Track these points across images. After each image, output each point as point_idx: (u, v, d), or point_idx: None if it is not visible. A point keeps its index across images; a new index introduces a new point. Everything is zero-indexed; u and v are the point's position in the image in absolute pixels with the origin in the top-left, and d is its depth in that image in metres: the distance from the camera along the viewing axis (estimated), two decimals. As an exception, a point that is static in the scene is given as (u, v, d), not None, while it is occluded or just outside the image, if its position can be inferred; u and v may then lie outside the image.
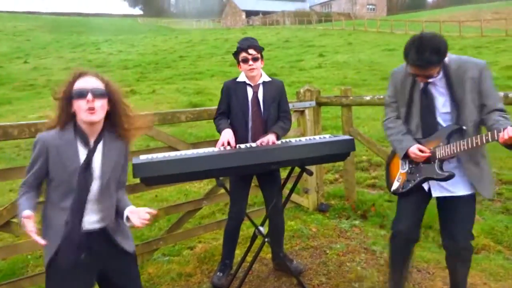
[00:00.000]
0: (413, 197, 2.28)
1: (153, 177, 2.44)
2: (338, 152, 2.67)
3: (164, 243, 3.45)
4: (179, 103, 11.11)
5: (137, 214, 1.79)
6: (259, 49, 2.90)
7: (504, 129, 1.86)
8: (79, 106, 1.71)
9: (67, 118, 1.76)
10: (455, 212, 2.21)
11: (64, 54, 26.72)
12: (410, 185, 2.27)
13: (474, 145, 1.99)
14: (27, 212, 1.61)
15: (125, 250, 1.89)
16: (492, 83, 2.11)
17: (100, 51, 28.50)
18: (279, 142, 2.86)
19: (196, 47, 28.55)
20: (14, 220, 2.66)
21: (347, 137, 2.69)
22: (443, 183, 2.19)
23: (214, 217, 4.40)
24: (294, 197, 4.45)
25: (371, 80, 12.64)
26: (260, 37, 33.03)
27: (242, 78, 2.96)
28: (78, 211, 1.75)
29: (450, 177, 2.13)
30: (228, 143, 2.73)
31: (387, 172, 2.50)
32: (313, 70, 16.06)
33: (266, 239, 2.88)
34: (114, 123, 1.85)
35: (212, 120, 3.10)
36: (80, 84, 1.73)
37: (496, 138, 1.91)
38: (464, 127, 2.10)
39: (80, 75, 1.77)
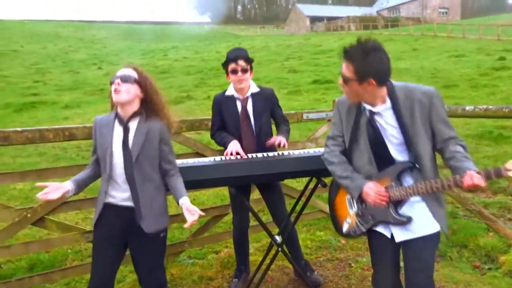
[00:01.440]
0: (383, 248, 2.03)
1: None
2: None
3: (189, 246, 3.57)
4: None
5: (190, 213, 2.05)
6: (249, 61, 2.87)
7: (466, 173, 1.71)
8: (111, 90, 2.05)
9: (112, 102, 2.11)
10: (418, 259, 1.93)
11: (134, 60, 28.34)
12: (363, 229, 2.06)
13: (434, 191, 1.83)
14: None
15: (143, 231, 2.09)
16: (444, 111, 1.91)
17: (167, 57, 29.89)
18: (297, 152, 2.87)
19: (257, 54, 28.91)
20: (49, 216, 2.92)
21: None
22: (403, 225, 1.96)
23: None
24: (326, 207, 4.38)
25: (431, 88, 12.03)
26: (322, 43, 32.79)
27: (230, 91, 2.94)
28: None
29: (408, 222, 1.92)
30: (237, 153, 2.74)
31: (332, 211, 2.26)
32: (372, 77, 15.41)
33: (279, 248, 2.89)
34: (148, 106, 2.15)
35: None
36: (118, 72, 2.08)
37: (459, 185, 1.76)
38: (417, 165, 1.90)
39: (125, 66, 2.16)
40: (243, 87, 2.87)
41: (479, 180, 1.67)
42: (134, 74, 2.11)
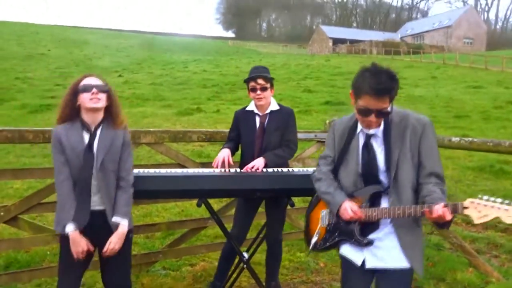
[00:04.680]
0: (354, 274, 2.02)
1: (136, 191, 2.58)
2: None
3: (164, 256, 3.58)
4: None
5: (113, 243, 2.16)
6: (269, 79, 2.96)
7: (434, 205, 1.70)
8: (84, 98, 2.13)
9: (73, 111, 2.18)
10: None
11: (155, 71, 28.90)
12: (327, 243, 2.09)
13: (396, 216, 1.84)
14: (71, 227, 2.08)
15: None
16: (434, 143, 1.90)
17: (187, 69, 30.36)
18: (271, 170, 2.88)
19: (277, 71, 29.09)
20: (22, 216, 2.98)
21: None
22: (374, 251, 1.95)
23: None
24: (309, 229, 4.35)
25: (441, 117, 11.86)
26: (342, 65, 32.81)
27: (251, 107, 3.05)
28: (83, 188, 2.13)
29: (368, 244, 1.93)
30: (223, 162, 2.81)
31: (307, 224, 2.30)
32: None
33: (245, 265, 2.89)
34: (111, 114, 2.25)
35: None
36: (86, 81, 2.17)
37: (422, 214, 1.76)
38: (387, 190, 1.91)
39: (85, 76, 2.23)
40: (262, 104, 2.98)
41: (445, 214, 1.66)
42: (105, 84, 2.24)
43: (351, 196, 2.00)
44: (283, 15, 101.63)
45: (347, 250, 2.04)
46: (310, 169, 2.92)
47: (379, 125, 1.93)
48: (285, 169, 2.90)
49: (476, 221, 1.66)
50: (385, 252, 1.93)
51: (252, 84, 2.94)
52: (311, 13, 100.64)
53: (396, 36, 70.49)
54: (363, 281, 2.01)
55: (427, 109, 13.30)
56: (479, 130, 10.31)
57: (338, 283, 3.51)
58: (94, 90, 2.14)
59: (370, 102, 1.81)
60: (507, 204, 1.62)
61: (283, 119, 3.03)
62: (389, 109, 1.85)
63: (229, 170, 2.80)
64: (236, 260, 3.07)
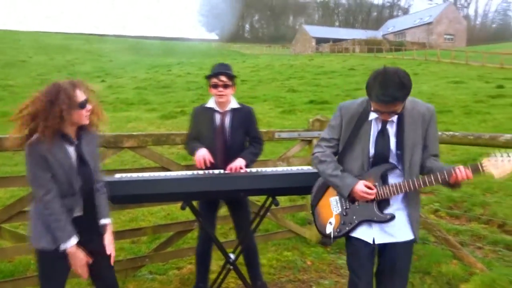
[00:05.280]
0: (364, 253, 2.11)
1: (120, 196, 2.58)
2: (311, 185, 2.62)
3: (150, 261, 3.55)
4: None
5: (111, 243, 2.23)
6: (231, 77, 2.96)
7: (454, 169, 1.89)
8: (81, 115, 2.05)
9: (61, 125, 1.99)
10: (394, 266, 2.09)
11: (138, 75, 28.68)
12: (347, 228, 2.13)
13: (417, 187, 2.00)
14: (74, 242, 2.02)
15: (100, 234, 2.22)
16: (436, 128, 2.10)
17: (170, 72, 30.22)
18: (254, 170, 2.89)
19: (260, 72, 29.20)
20: (4, 225, 2.93)
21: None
22: (385, 228, 2.07)
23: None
24: (296, 228, 4.37)
25: (425, 113, 12.04)
26: (325, 64, 33.00)
27: (211, 104, 3.02)
28: (75, 202, 2.09)
29: (391, 219, 2.04)
30: (205, 161, 2.82)
31: (315, 214, 2.32)
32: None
33: (231, 267, 2.89)
34: (91, 121, 2.16)
35: None
36: (81, 96, 2.03)
37: (446, 179, 1.92)
38: (399, 167, 2.05)
39: (74, 86, 2.04)
40: (223, 102, 2.97)
41: (469, 173, 1.88)
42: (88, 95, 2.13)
43: (361, 177, 2.09)
44: (266, 16, 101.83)
45: (357, 232, 2.13)
46: (295, 168, 2.94)
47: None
48: (269, 169, 2.92)
49: (497, 176, 1.85)
50: (395, 227, 2.06)
51: (214, 80, 2.94)
52: (293, 13, 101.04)
53: (378, 34, 71.26)
54: (370, 258, 2.14)
55: (410, 105, 13.46)
56: (461, 125, 10.48)
57: (326, 281, 3.54)
58: (89, 107, 2.08)
59: (380, 107, 1.95)
60: None
61: (246, 117, 3.05)
62: (400, 110, 1.98)
63: (212, 172, 2.79)
64: (223, 262, 3.06)
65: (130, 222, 4.87)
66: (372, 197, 2.04)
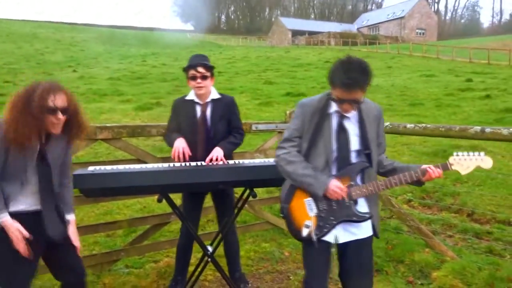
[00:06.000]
0: (321, 249, 2.10)
1: (93, 189, 2.51)
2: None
3: (126, 254, 3.50)
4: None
5: (76, 236, 2.23)
6: (209, 68, 2.91)
7: (426, 168, 2.06)
8: (51, 120, 1.99)
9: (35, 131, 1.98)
10: (362, 264, 2.14)
11: (111, 65, 28.00)
12: (324, 230, 2.09)
13: (394, 186, 2.10)
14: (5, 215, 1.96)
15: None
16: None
17: (145, 63, 29.65)
18: (232, 162, 2.87)
19: (237, 64, 29.06)
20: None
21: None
22: (349, 227, 2.10)
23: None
24: (273, 219, 4.40)
25: (398, 106, 12.29)
26: (301, 57, 33.17)
27: (191, 96, 2.98)
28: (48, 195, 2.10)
29: (370, 218, 2.08)
30: (183, 152, 2.79)
31: (288, 218, 2.22)
32: (344, 92, 15.70)
33: (209, 259, 2.88)
34: (67, 129, 2.11)
35: None
36: (56, 102, 1.98)
37: (419, 178, 2.06)
38: (370, 166, 2.10)
39: (51, 91, 1.99)
40: (202, 93, 2.92)
41: (440, 171, 2.05)
42: (66, 103, 2.05)
43: (336, 176, 2.10)
44: (242, 7, 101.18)
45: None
46: (272, 160, 2.94)
47: (356, 110, 2.08)
48: (246, 161, 2.90)
49: (463, 173, 2.05)
50: (359, 225, 2.10)
51: (192, 72, 2.88)
52: (269, 5, 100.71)
53: (352, 27, 72.04)
54: (327, 257, 2.16)
55: (384, 98, 13.72)
56: (432, 117, 10.76)
57: (303, 271, 3.58)
58: (60, 115, 2.00)
59: (342, 94, 1.96)
60: (482, 155, 2.04)
61: (227, 108, 3.02)
62: (362, 99, 2.01)
63: (189, 164, 2.76)
64: (201, 254, 3.05)
65: (104, 216, 4.78)
66: (344, 195, 2.04)
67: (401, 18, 65.61)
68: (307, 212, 2.11)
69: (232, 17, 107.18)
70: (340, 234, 2.10)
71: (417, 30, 65.60)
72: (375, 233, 2.17)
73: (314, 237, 2.07)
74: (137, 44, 49.75)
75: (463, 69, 22.99)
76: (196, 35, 73.83)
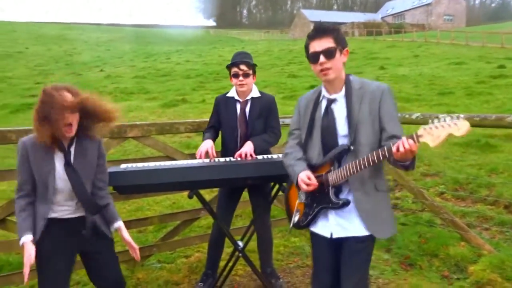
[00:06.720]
0: (323, 245, 2.07)
1: (126, 186, 2.56)
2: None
3: (158, 250, 3.56)
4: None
5: (131, 247, 2.24)
6: (251, 65, 2.93)
7: (397, 143, 1.68)
8: (62, 119, 1.96)
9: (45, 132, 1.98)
10: (347, 264, 2.00)
11: (137, 64, 28.50)
12: (309, 217, 2.07)
13: (362, 167, 1.83)
14: (27, 238, 2.00)
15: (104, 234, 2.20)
16: (394, 109, 1.94)
17: (169, 60, 30.02)
18: (261, 157, 2.86)
19: (260, 58, 28.98)
20: (10, 218, 2.92)
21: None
22: (340, 221, 1.99)
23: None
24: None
25: (426, 95, 11.94)
26: (325, 49, 32.70)
27: (232, 93, 3.02)
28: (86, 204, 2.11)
29: (345, 204, 1.94)
30: (206, 153, 2.79)
31: (286, 204, 2.29)
32: (370, 83, 15.40)
33: (240, 254, 2.89)
34: (86, 127, 2.12)
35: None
36: (60, 103, 1.95)
37: (386, 155, 1.75)
38: (351, 147, 1.91)
39: (56, 88, 2.00)
40: (244, 91, 2.96)
41: (412, 143, 1.65)
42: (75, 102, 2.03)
43: (318, 165, 2.03)
44: (263, 0, 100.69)
45: (317, 226, 2.09)
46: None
47: (336, 75, 1.96)
48: (275, 155, 2.89)
49: (432, 144, 1.66)
50: (348, 221, 1.99)
51: (234, 70, 2.92)
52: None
53: (377, 17, 70.53)
54: (330, 252, 2.07)
55: (411, 88, 13.38)
56: (463, 106, 10.42)
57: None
58: (70, 120, 2.00)
59: (314, 46, 1.93)
60: (456, 118, 1.63)
61: (265, 106, 3.02)
62: (334, 46, 1.93)
63: (218, 159, 2.77)
64: (232, 249, 3.06)
65: (136, 212, 4.88)
66: (311, 188, 1.98)
67: (428, 4, 63.73)
68: (298, 198, 2.17)
69: (254, 11, 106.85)
70: (334, 229, 2.02)
71: (444, 17, 63.60)
72: (371, 234, 1.95)
73: (301, 223, 2.11)
74: (162, 42, 50.36)
75: (494, 55, 22.14)
76: (219, 31, 74.05)
